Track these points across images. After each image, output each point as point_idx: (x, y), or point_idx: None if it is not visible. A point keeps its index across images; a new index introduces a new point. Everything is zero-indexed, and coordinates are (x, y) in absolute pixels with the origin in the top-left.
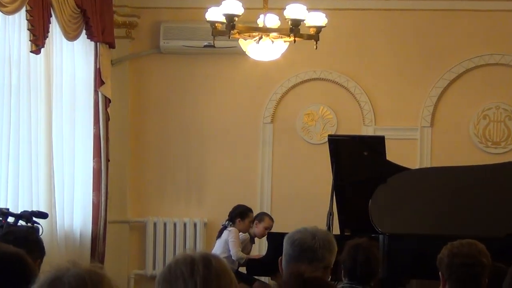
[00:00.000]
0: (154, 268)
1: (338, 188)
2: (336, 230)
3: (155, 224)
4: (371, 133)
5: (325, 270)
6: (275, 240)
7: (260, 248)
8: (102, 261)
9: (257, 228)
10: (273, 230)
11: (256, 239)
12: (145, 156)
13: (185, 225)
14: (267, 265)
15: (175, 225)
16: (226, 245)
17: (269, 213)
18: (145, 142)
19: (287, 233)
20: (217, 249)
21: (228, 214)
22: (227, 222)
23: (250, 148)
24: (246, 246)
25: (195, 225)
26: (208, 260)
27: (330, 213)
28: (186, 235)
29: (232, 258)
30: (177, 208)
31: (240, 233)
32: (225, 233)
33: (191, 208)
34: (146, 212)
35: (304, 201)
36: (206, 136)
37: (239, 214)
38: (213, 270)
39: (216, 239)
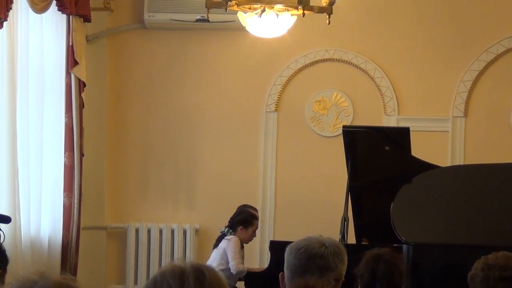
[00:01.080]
0: (135, 282)
1: (354, 189)
2: (352, 238)
3: (137, 231)
4: (393, 124)
5: (337, 284)
6: (279, 250)
7: (261, 259)
8: (74, 273)
9: (249, 233)
10: (277, 238)
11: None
12: (126, 151)
13: (173, 231)
14: (269, 279)
15: (161, 231)
16: (224, 256)
17: (250, 205)
18: (126, 134)
19: (291, 241)
20: (213, 260)
21: (228, 219)
22: (226, 229)
23: (250, 142)
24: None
25: (184, 231)
26: (200, 272)
27: (345, 219)
28: (174, 244)
29: (231, 271)
30: (163, 212)
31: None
32: (224, 242)
33: (180, 211)
34: (127, 217)
35: (313, 204)
36: (198, 127)
37: (242, 222)
38: (207, 283)
39: (213, 249)
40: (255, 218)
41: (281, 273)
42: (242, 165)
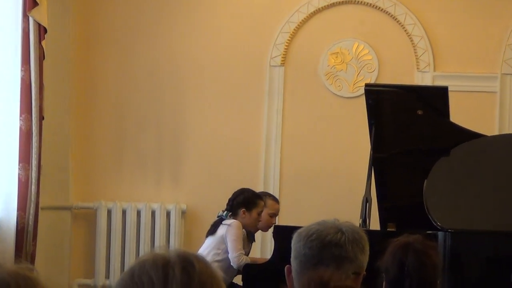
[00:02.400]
0: (107, 275)
1: (379, 163)
2: (375, 224)
3: (109, 212)
4: (428, 82)
5: (356, 278)
6: (285, 236)
7: (262, 247)
8: (32, 262)
9: (253, 217)
10: (283, 222)
11: (258, 233)
12: (96, 113)
13: (153, 213)
14: (272, 273)
15: (139, 213)
16: (221, 244)
17: (271, 193)
18: (96, 92)
19: (301, 227)
20: (206, 248)
21: (227, 201)
22: (225, 212)
23: (250, 103)
24: (243, 246)
25: (168, 213)
26: (188, 262)
27: (367, 200)
28: (156, 228)
29: (232, 264)
30: (142, 189)
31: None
32: (222, 228)
33: (163, 188)
34: (97, 195)
35: (327, 182)
36: (186, 84)
37: (245, 203)
38: (196, 276)
39: (207, 236)
40: (260, 197)
41: (287, 265)
42: (240, 132)
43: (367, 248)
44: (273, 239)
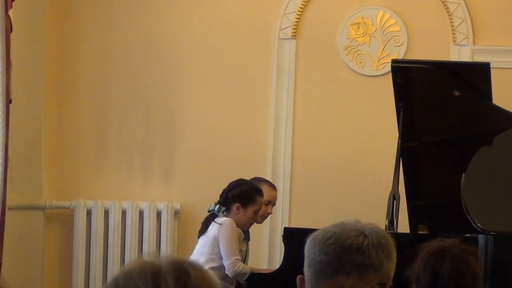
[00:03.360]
0: (87, 284)
1: (409, 153)
2: (404, 225)
3: (89, 212)
4: (466, 57)
5: None
6: (297, 241)
7: (270, 254)
8: None
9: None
10: (295, 224)
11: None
12: (75, 97)
13: (141, 213)
14: (282, 284)
15: (124, 213)
16: (215, 247)
17: (266, 179)
18: (76, 72)
19: (316, 229)
20: (200, 253)
21: (220, 193)
22: (217, 206)
23: (255, 84)
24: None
25: (159, 213)
26: (182, 271)
27: (394, 197)
28: (144, 230)
29: (226, 272)
30: (128, 186)
31: None
32: (213, 227)
33: (153, 185)
34: (75, 192)
35: (346, 176)
36: (180, 62)
37: (240, 197)
38: (192, 286)
39: (198, 236)
40: (259, 193)
41: (300, 276)
42: (244, 118)
43: (394, 254)
44: (283, 244)
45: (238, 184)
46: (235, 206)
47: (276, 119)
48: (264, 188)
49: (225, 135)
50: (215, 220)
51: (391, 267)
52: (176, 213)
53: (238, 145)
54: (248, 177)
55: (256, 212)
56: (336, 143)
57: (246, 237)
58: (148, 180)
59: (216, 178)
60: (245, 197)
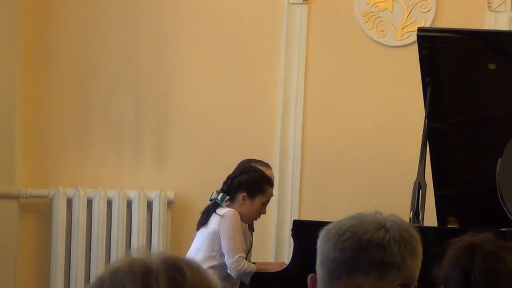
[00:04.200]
0: (67, 284)
1: (436, 135)
2: (431, 218)
3: (70, 202)
4: (503, 26)
5: None
6: (309, 235)
7: (278, 250)
8: None
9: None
10: (306, 216)
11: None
12: (55, 74)
13: (130, 203)
14: (292, 284)
15: (110, 203)
16: (215, 242)
17: (261, 160)
18: (55, 46)
19: (330, 222)
20: (198, 249)
21: (224, 180)
22: (220, 195)
23: (261, 54)
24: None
25: (150, 203)
26: (176, 270)
27: (420, 186)
28: (133, 223)
29: (229, 271)
30: (114, 172)
31: None
32: (215, 219)
33: (143, 171)
34: (54, 179)
35: (364, 160)
36: (175, 32)
37: (248, 185)
38: (188, 287)
39: (197, 228)
40: (269, 182)
41: (311, 274)
42: (248, 95)
43: (419, 250)
44: (292, 239)
45: (246, 170)
46: (241, 195)
47: (284, 96)
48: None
49: (226, 115)
50: (216, 211)
51: (416, 265)
52: (170, 203)
53: (241, 126)
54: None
55: (264, 204)
56: (353, 124)
57: (251, 228)
58: (137, 166)
59: (216, 164)
60: (253, 186)
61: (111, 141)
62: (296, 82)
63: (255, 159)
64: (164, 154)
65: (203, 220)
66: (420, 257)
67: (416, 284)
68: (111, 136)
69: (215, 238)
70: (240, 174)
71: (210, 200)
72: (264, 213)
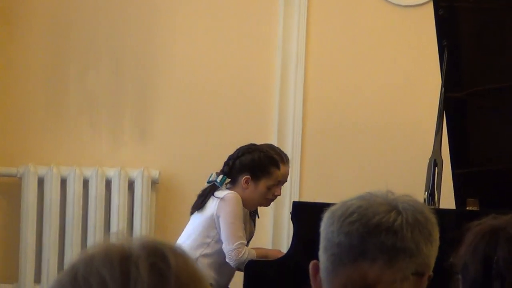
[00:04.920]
0: (37, 279)
1: (454, 107)
2: (448, 199)
3: (41, 181)
4: None
5: (419, 281)
6: (311, 218)
7: (275, 236)
8: None
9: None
10: (307, 197)
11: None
12: (23, 34)
13: (109, 183)
14: (292, 272)
15: (86, 182)
16: (212, 230)
17: (275, 146)
18: (23, 5)
19: (333, 204)
20: (192, 236)
21: (226, 160)
22: (220, 176)
23: (257, 13)
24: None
25: (131, 183)
26: (159, 257)
27: (436, 163)
28: (112, 204)
29: (228, 260)
30: (91, 148)
31: None
32: (213, 202)
33: (124, 147)
34: (23, 156)
35: (373, 133)
36: None
37: (252, 167)
38: (172, 277)
39: (192, 212)
40: (275, 164)
41: (313, 261)
42: (241, 61)
43: (435, 235)
44: (292, 223)
45: (249, 150)
46: (243, 178)
47: (283, 60)
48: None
49: (216, 83)
50: (215, 194)
51: (432, 252)
52: (154, 182)
53: (234, 95)
54: (246, 137)
55: (269, 188)
56: (360, 93)
57: (254, 216)
58: (117, 141)
59: (205, 139)
60: (257, 167)
61: (88, 114)
62: (296, 46)
63: (273, 146)
64: (147, 128)
65: (199, 204)
66: (436, 242)
67: (431, 273)
68: (88, 109)
69: (212, 223)
70: (243, 154)
71: (208, 182)
72: (275, 192)
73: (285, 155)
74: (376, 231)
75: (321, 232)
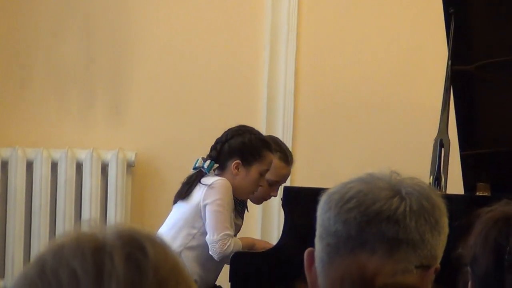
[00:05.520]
0: (1, 273)
1: (463, 80)
2: (456, 184)
3: (4, 165)
4: None
5: (424, 274)
6: (304, 204)
7: (264, 225)
8: None
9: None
10: (300, 182)
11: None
12: None
13: (79, 166)
14: (282, 265)
15: (54, 166)
16: (198, 221)
17: (280, 141)
18: None
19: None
20: (175, 227)
21: (212, 144)
22: (207, 162)
23: None
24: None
25: (104, 166)
26: (136, 247)
27: (442, 143)
28: (84, 190)
29: (211, 252)
30: (60, 128)
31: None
32: (199, 190)
33: (96, 127)
34: None
35: (375, 111)
36: None
37: (242, 151)
38: (150, 269)
39: (175, 201)
40: (267, 146)
41: (309, 249)
42: (225, 31)
43: (443, 223)
44: (283, 210)
45: (239, 132)
46: (233, 163)
47: (272, 30)
48: (274, 162)
49: (198, 56)
50: (202, 181)
51: (439, 242)
52: (129, 165)
53: (217, 69)
54: (232, 118)
55: (262, 174)
56: (359, 68)
57: (243, 209)
58: (89, 120)
59: (186, 117)
60: (248, 151)
61: (56, 90)
62: (287, 12)
63: (277, 140)
64: (122, 106)
65: (184, 192)
66: (445, 230)
67: (438, 266)
68: (56, 84)
69: (198, 212)
70: (232, 137)
71: (194, 168)
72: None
73: (291, 154)
74: (376, 220)
75: (318, 217)
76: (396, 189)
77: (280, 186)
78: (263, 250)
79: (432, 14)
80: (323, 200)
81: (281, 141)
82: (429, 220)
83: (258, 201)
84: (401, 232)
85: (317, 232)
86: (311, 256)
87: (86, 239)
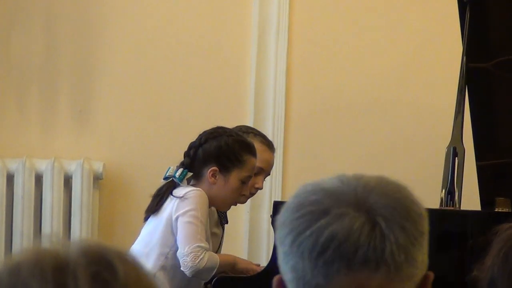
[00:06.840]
0: None
1: (479, 78)
2: (472, 198)
3: None
4: None
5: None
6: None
7: (251, 244)
8: None
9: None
10: (291, 189)
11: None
12: None
13: (39, 178)
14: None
15: (10, 178)
16: (171, 238)
17: (253, 128)
18: None
19: None
20: (147, 244)
21: (186, 150)
22: (179, 170)
23: None
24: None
25: (67, 178)
26: (103, 265)
27: (456, 152)
28: (44, 204)
29: (183, 268)
30: (18, 135)
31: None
32: (171, 203)
33: (60, 134)
34: None
35: (379, 113)
36: None
37: (219, 155)
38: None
39: (146, 217)
40: (249, 150)
41: (277, 276)
42: (209, 24)
43: (423, 242)
44: (272, 227)
45: (214, 134)
46: (209, 170)
47: (260, 23)
48: (256, 147)
49: (175, 53)
50: (173, 192)
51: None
52: (97, 178)
53: (198, 67)
54: (214, 119)
55: (244, 182)
56: (359, 65)
57: (222, 220)
58: (50, 126)
59: (160, 124)
60: (225, 156)
61: (12, 91)
62: (278, 7)
63: (254, 130)
64: (88, 111)
65: (154, 206)
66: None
67: (429, 273)
68: (12, 85)
69: (170, 229)
70: (206, 141)
71: (165, 178)
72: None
73: (269, 140)
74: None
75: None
76: (365, 207)
77: (265, 178)
78: (249, 273)
79: (444, 4)
80: (280, 215)
81: (254, 128)
82: (415, 245)
83: (243, 198)
84: (369, 257)
85: (289, 276)
86: (281, 285)
87: (47, 256)
